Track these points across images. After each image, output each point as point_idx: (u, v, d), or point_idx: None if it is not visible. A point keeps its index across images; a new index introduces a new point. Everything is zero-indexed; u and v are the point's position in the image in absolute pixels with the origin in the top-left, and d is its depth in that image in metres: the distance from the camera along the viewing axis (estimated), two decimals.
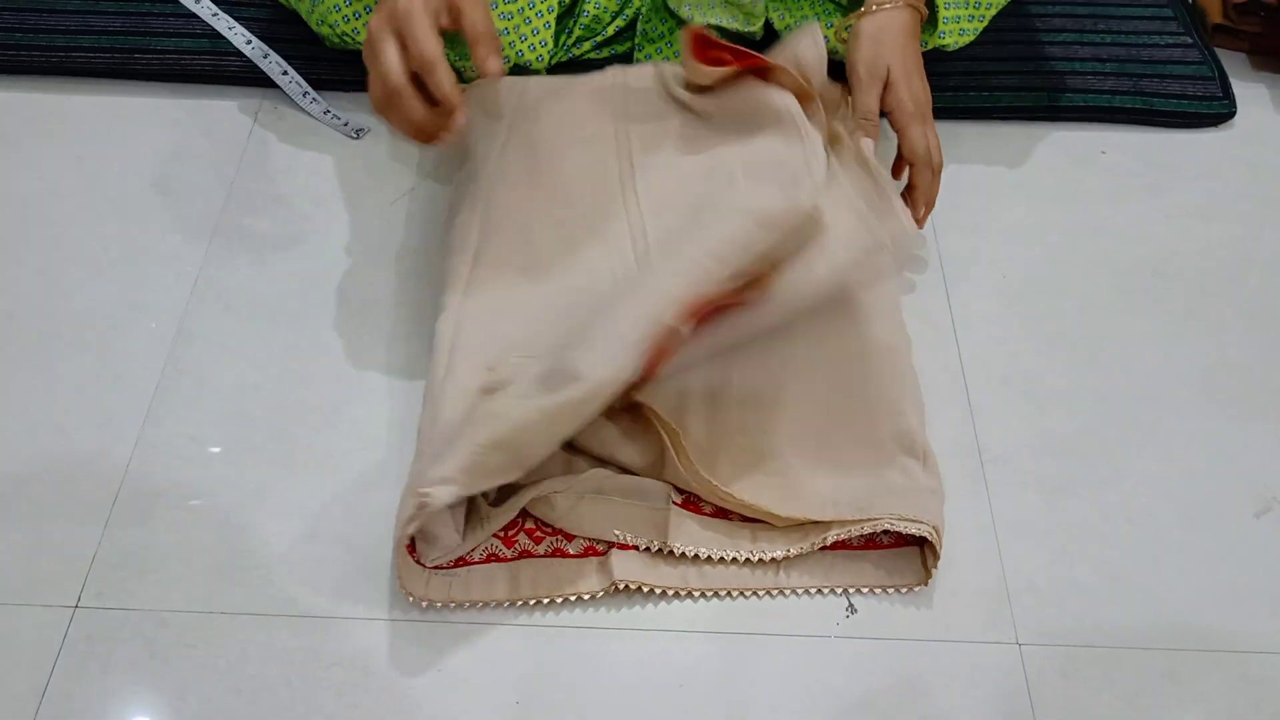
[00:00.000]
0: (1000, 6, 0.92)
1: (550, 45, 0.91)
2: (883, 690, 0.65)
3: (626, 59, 0.97)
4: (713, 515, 0.69)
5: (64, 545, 0.69)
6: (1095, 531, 0.73)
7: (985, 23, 0.92)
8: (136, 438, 0.74)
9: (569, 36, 0.94)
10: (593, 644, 0.66)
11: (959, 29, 0.91)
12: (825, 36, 0.91)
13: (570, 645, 0.66)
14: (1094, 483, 0.75)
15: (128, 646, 0.65)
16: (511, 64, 0.90)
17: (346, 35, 0.90)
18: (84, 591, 0.67)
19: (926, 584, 0.68)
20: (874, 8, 0.82)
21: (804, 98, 0.79)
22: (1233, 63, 1.04)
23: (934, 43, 0.90)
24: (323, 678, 0.64)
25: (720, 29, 0.93)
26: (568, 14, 0.94)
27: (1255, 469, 0.76)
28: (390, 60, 0.68)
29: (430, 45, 0.67)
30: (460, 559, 0.67)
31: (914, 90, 0.81)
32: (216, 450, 0.74)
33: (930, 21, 0.90)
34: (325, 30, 0.91)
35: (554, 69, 0.95)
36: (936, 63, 0.98)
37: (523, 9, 0.89)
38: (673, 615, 0.68)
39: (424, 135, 0.71)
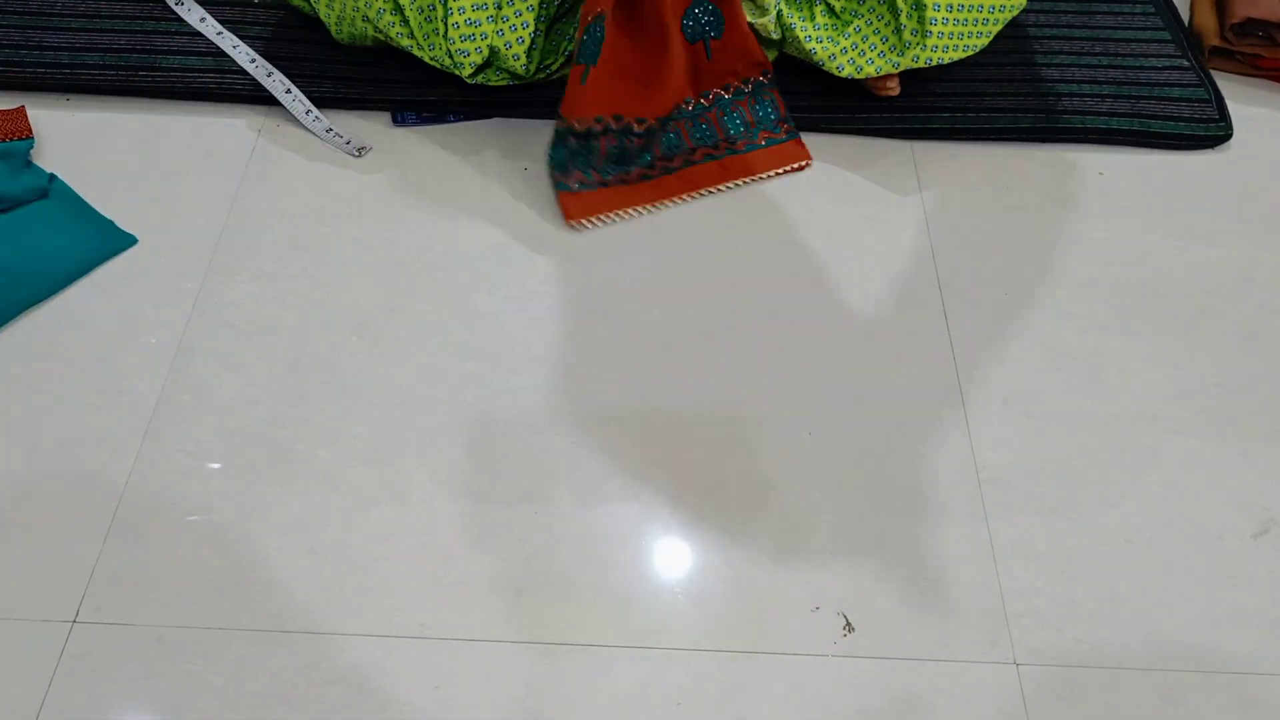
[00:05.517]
0: (995, 23, 0.93)
1: (531, 28, 0.91)
2: (880, 710, 0.65)
3: None
4: None
5: (62, 560, 0.69)
6: (1093, 552, 0.73)
7: (982, 39, 0.93)
8: (136, 453, 0.74)
9: (570, 42, 0.94)
10: (592, 662, 0.66)
11: (954, 44, 0.93)
12: (814, 50, 0.93)
13: (569, 664, 0.66)
14: (1092, 504, 0.75)
15: (125, 662, 0.65)
16: (488, 47, 0.91)
17: (369, 25, 0.92)
18: (82, 606, 0.67)
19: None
20: None
21: None
22: (1229, 85, 1.05)
23: (925, 56, 0.91)
24: (319, 695, 0.64)
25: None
26: (565, 20, 0.95)
27: (1253, 490, 0.76)
28: None
29: None
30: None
31: None
32: (215, 466, 0.74)
33: (921, 34, 0.91)
34: (345, 24, 0.94)
35: (544, 80, 0.96)
36: (936, 83, 0.99)
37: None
38: (672, 634, 0.68)
39: None
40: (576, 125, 0.89)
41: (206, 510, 0.72)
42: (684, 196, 0.93)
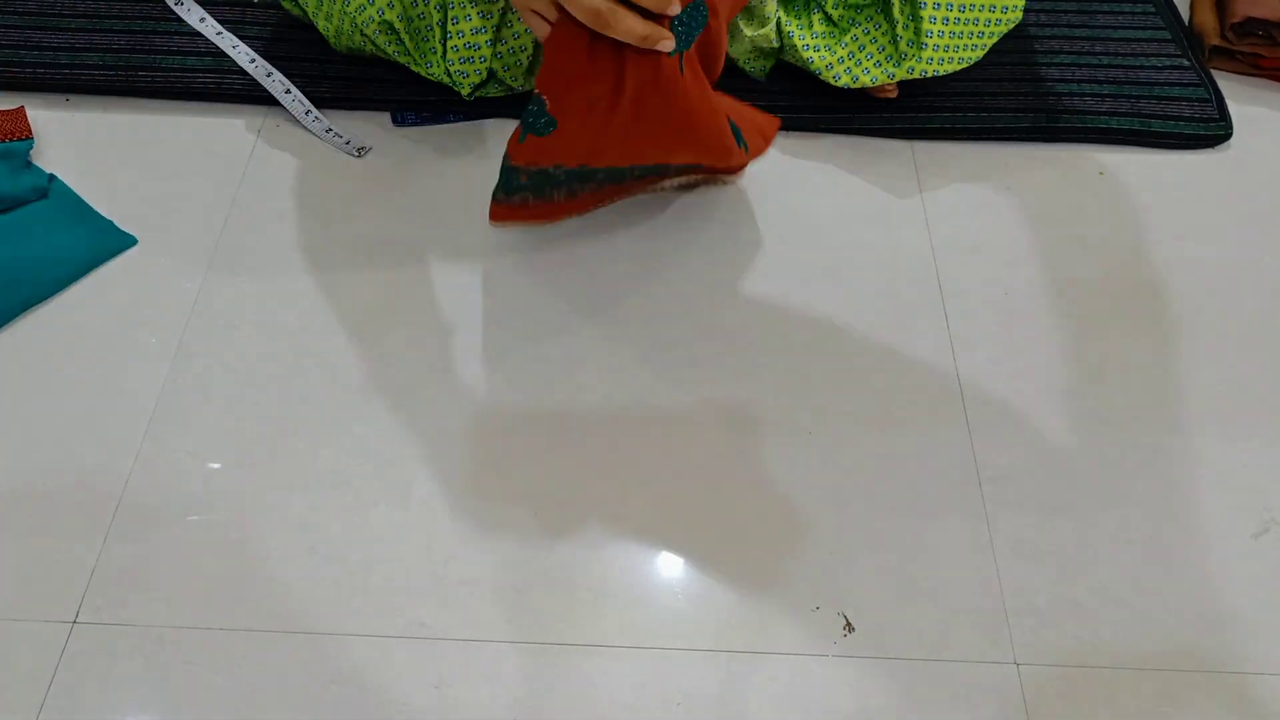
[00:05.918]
0: (996, 34, 0.93)
1: (530, 51, 0.91)
2: (880, 710, 0.65)
3: None
4: None
5: (63, 560, 0.69)
6: (1094, 552, 0.73)
7: (978, 51, 0.93)
8: (136, 453, 0.75)
9: None
10: (592, 663, 0.67)
11: (949, 56, 0.93)
12: (811, 59, 0.94)
13: (569, 665, 0.66)
14: (1093, 503, 0.75)
15: (125, 662, 0.65)
16: (487, 69, 0.91)
17: (367, 41, 0.93)
18: (82, 607, 0.67)
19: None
20: None
21: None
22: (1229, 84, 1.05)
23: (920, 69, 0.91)
24: (320, 695, 0.64)
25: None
26: None
27: (1254, 490, 0.76)
28: None
29: None
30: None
31: None
32: (216, 466, 0.74)
33: (916, 44, 0.91)
34: (344, 38, 0.93)
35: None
36: (935, 83, 0.99)
37: (506, 21, 0.90)
38: (672, 634, 0.68)
39: (648, 41, 0.70)
40: (524, 166, 0.78)
41: (207, 510, 0.72)
42: (611, 201, 0.91)
